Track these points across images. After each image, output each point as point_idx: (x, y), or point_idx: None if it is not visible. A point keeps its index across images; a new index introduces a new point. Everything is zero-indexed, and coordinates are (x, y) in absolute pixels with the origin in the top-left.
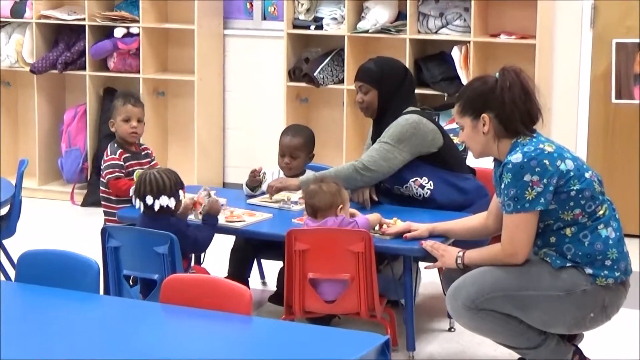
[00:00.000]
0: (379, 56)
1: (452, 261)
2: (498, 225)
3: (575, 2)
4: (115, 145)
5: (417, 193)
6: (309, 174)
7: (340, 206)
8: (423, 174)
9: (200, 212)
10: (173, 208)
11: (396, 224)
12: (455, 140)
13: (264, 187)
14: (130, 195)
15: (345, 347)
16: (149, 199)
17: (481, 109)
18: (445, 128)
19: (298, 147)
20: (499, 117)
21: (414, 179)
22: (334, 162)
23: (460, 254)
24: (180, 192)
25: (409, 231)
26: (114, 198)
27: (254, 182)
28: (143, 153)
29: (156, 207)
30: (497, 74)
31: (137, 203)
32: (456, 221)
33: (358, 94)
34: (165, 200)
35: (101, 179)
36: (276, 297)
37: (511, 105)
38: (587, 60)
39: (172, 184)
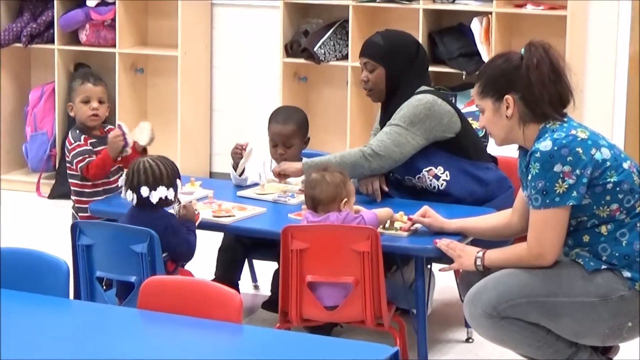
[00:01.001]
0: (386, 29)
1: (470, 263)
2: (524, 224)
3: None
4: (77, 131)
5: (431, 184)
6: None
7: (345, 200)
8: (438, 163)
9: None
10: (173, 199)
11: (402, 219)
12: (475, 124)
13: (251, 173)
14: (120, 185)
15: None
16: (145, 190)
17: (504, 90)
18: (463, 111)
19: (291, 135)
20: (524, 99)
21: (427, 169)
22: (336, 150)
23: (480, 254)
24: (178, 181)
25: (424, 216)
26: (87, 191)
27: (236, 157)
28: (109, 135)
29: (154, 199)
30: (522, 50)
31: (130, 195)
32: (475, 218)
33: (363, 71)
34: (163, 191)
35: (68, 172)
36: (270, 303)
37: (539, 86)
38: (626, 35)
39: (170, 173)
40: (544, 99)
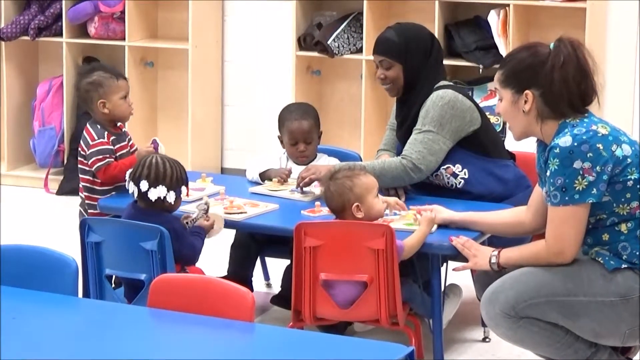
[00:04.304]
0: (398, 23)
1: (485, 262)
2: (537, 222)
3: None
4: (99, 126)
5: (448, 182)
6: (326, 159)
7: (355, 204)
8: (456, 161)
9: (189, 222)
10: (172, 203)
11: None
12: (493, 119)
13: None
14: (126, 178)
15: (363, 359)
16: (144, 185)
17: (526, 85)
18: (480, 105)
19: (311, 129)
20: (544, 96)
21: (445, 166)
22: (351, 145)
23: (495, 253)
24: (183, 188)
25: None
26: (98, 188)
27: (280, 176)
28: (122, 131)
29: (152, 197)
30: (551, 45)
31: (131, 187)
32: (487, 213)
33: (378, 69)
34: (162, 191)
35: (81, 166)
36: (279, 298)
37: (561, 86)
38: None
39: (175, 176)
40: (564, 99)
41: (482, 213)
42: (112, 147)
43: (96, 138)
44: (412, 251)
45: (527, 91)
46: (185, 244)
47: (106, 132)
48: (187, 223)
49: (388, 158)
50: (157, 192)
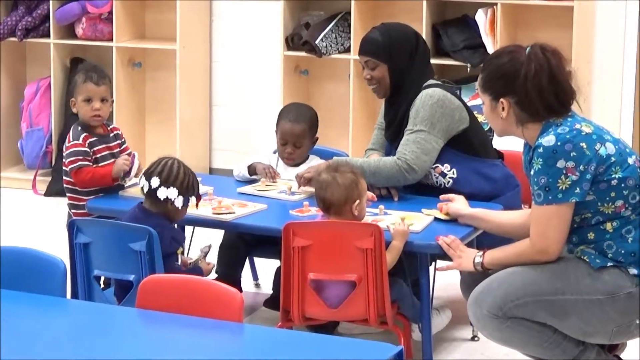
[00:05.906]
0: (382, 23)
1: (469, 263)
2: None
3: None
4: (79, 128)
5: (437, 182)
6: (318, 162)
7: (357, 202)
8: (445, 161)
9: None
10: (178, 208)
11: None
12: (481, 118)
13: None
14: (125, 178)
15: (352, 359)
16: (155, 181)
17: (501, 93)
18: (468, 104)
19: (302, 134)
20: (520, 104)
21: (434, 166)
22: (339, 145)
23: (480, 254)
24: (193, 199)
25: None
26: (80, 189)
27: (265, 171)
28: (112, 135)
29: (160, 195)
30: (527, 50)
31: (142, 181)
32: (496, 212)
33: (364, 70)
34: (172, 193)
35: (63, 167)
36: (272, 301)
37: (535, 94)
38: (634, 27)
39: (187, 183)
40: (540, 106)
41: (491, 212)
42: (87, 149)
43: (72, 140)
44: (389, 266)
45: (502, 99)
46: (167, 268)
47: (84, 134)
48: (189, 263)
49: (379, 157)
50: (166, 192)
